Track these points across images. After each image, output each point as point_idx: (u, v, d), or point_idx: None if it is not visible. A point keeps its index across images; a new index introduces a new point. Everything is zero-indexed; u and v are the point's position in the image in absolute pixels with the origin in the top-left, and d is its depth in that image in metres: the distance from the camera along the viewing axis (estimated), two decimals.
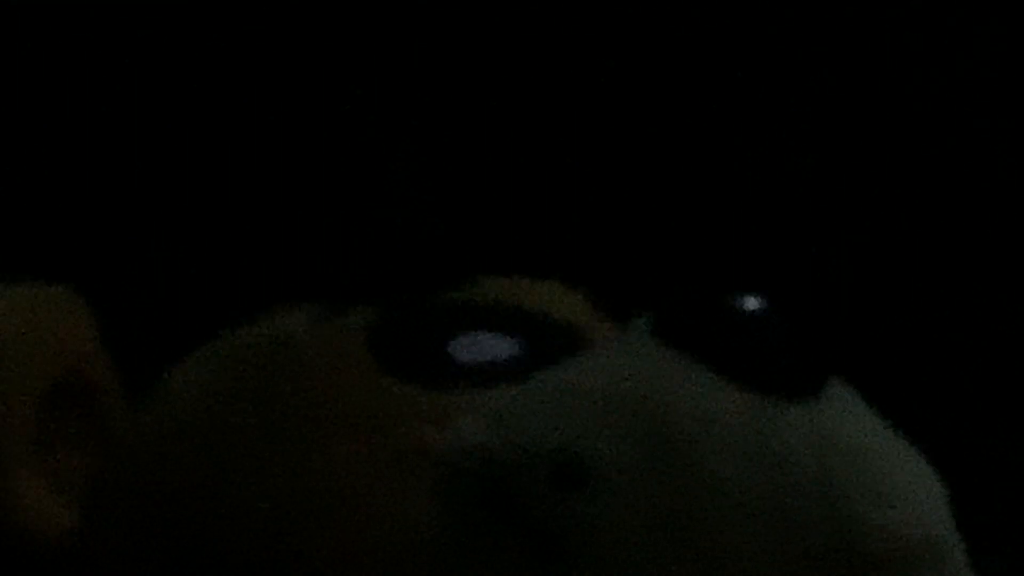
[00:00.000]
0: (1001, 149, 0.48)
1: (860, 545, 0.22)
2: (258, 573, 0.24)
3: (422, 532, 0.22)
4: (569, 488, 0.21)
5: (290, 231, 0.42)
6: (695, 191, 0.43)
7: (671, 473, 0.22)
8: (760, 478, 0.22)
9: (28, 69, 0.48)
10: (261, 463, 0.24)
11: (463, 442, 0.21)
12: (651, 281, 0.27)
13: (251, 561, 0.24)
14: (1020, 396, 0.48)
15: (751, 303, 0.22)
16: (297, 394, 0.23)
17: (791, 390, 0.22)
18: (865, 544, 0.22)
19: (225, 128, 0.46)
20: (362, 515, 0.23)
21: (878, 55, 0.48)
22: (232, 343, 0.24)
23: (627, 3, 0.46)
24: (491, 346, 0.23)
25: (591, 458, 0.22)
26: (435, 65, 0.46)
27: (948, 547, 0.22)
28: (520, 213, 0.38)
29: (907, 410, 0.24)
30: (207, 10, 0.47)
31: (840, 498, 0.22)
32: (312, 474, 0.23)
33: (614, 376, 0.23)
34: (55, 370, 0.22)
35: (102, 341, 0.23)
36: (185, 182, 0.46)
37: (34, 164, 0.47)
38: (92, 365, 0.23)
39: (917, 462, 0.23)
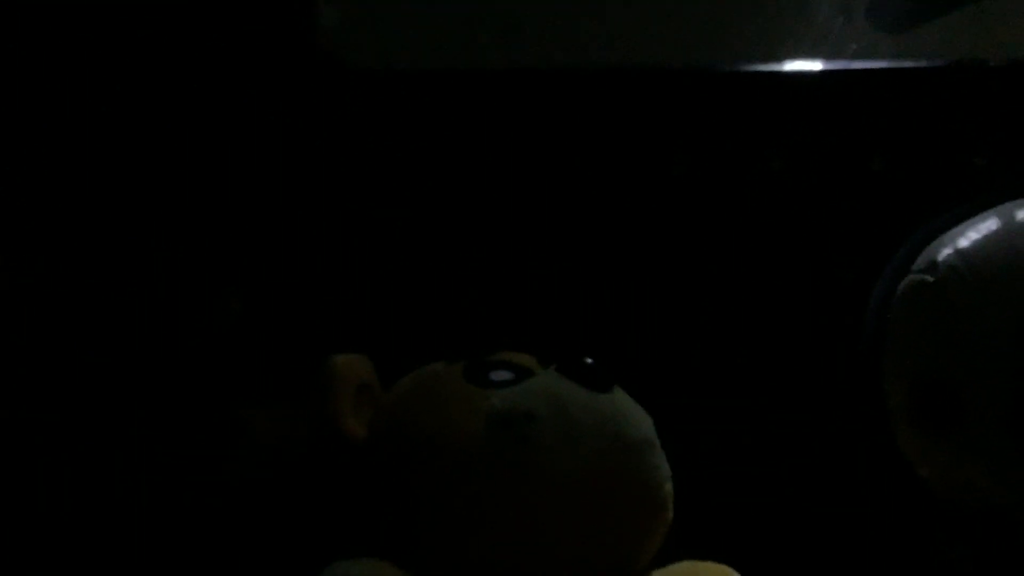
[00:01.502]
0: None
1: (625, 439, 0.65)
2: (405, 463, 0.65)
3: (479, 436, 0.65)
4: (528, 422, 0.65)
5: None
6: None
7: (563, 417, 0.65)
8: (591, 417, 0.66)
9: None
10: (419, 420, 0.67)
11: (494, 405, 0.65)
12: (556, 351, 0.71)
13: (406, 456, 0.66)
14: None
15: (589, 361, 0.67)
16: (437, 392, 0.67)
17: (601, 388, 0.66)
18: (627, 440, 0.65)
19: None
20: (458, 432, 0.65)
21: None
22: (416, 372, 0.68)
23: None
24: (502, 375, 0.67)
25: (536, 412, 0.65)
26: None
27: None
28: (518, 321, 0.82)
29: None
30: None
31: (621, 425, 0.66)
32: (442, 419, 0.66)
33: (544, 384, 0.67)
34: (361, 379, 0.67)
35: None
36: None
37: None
38: (372, 380, 0.67)
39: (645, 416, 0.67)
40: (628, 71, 0.86)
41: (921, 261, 0.72)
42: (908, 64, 0.86)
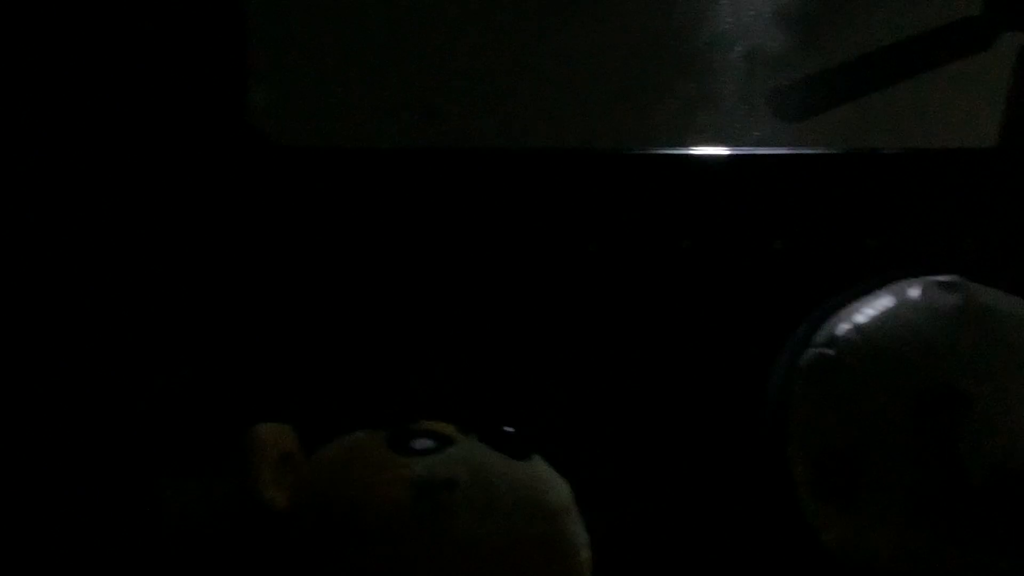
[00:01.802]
0: None
1: (543, 506, 0.66)
2: (329, 531, 0.66)
3: (404, 503, 0.66)
4: (449, 489, 0.66)
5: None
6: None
7: (482, 484, 0.67)
8: (510, 483, 0.67)
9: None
10: (343, 488, 0.67)
11: (417, 473, 0.66)
12: (476, 420, 0.72)
13: (330, 524, 0.67)
14: None
15: (508, 430, 0.68)
16: (361, 460, 0.68)
17: (520, 456, 0.68)
18: (546, 507, 0.66)
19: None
20: (382, 500, 0.66)
21: None
22: (339, 440, 0.69)
23: None
24: (424, 443, 0.68)
25: (457, 479, 0.66)
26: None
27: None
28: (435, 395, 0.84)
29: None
30: None
31: (540, 492, 0.67)
32: (367, 487, 0.67)
33: (465, 452, 0.68)
34: (284, 448, 0.68)
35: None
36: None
37: None
38: (295, 448, 0.68)
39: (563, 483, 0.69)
40: (544, 152, 0.90)
41: (821, 335, 0.75)
42: (807, 151, 0.91)
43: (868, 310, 0.74)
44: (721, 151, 0.91)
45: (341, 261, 0.86)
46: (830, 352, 0.73)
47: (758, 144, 0.94)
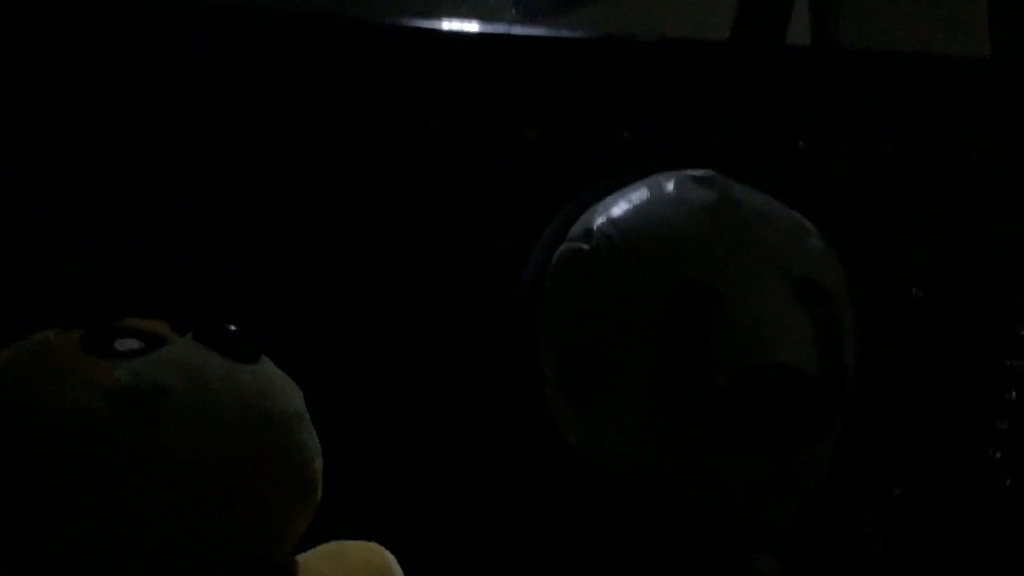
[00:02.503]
0: None
1: (270, 413, 0.59)
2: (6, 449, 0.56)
3: (101, 414, 0.56)
4: (159, 396, 0.57)
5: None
6: None
7: (199, 391, 0.58)
8: (232, 389, 0.59)
9: None
10: (25, 398, 0.57)
11: (118, 379, 0.57)
12: (192, 316, 0.63)
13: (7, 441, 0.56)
14: None
15: (231, 328, 0.60)
16: (47, 364, 0.58)
17: (245, 358, 0.60)
18: (273, 414, 0.59)
19: None
20: (73, 411, 0.56)
21: None
22: (20, 341, 0.58)
23: None
24: (129, 343, 0.58)
25: (169, 385, 0.58)
26: None
27: None
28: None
29: None
30: None
31: (268, 399, 0.60)
32: (54, 396, 0.57)
33: (179, 354, 0.59)
34: None
35: None
36: None
37: None
38: None
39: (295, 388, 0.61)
40: (291, 16, 0.81)
41: (576, 229, 0.71)
42: (564, 34, 0.86)
43: (624, 203, 0.71)
44: (473, 26, 0.84)
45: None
46: (584, 246, 0.70)
47: (511, 24, 0.89)
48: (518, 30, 0.87)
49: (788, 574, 0.66)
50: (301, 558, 0.62)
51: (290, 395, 0.60)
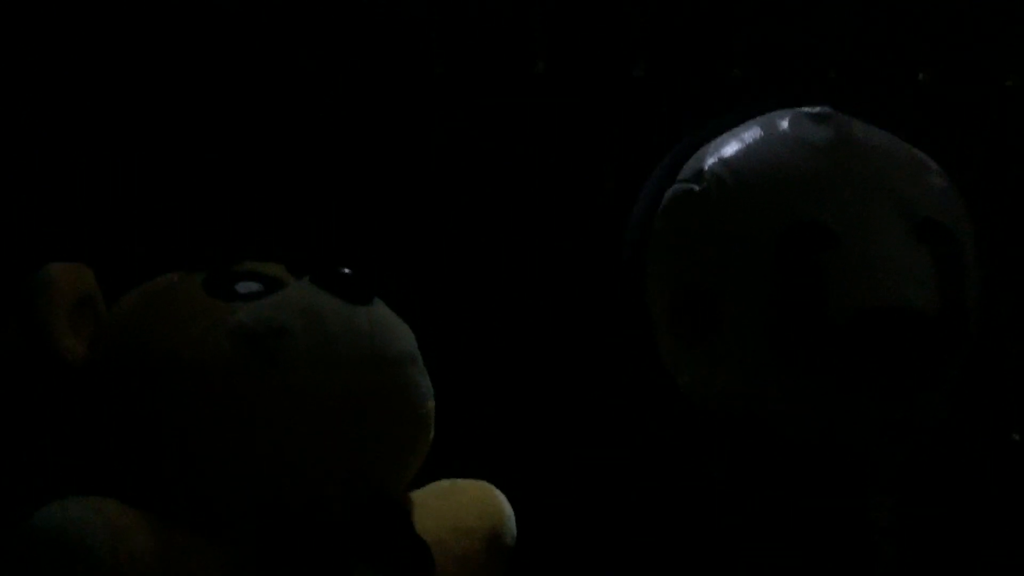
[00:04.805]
0: None
1: (385, 354, 0.60)
2: (136, 387, 0.58)
3: (223, 354, 0.58)
4: (279, 337, 0.59)
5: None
6: None
7: (317, 332, 0.60)
8: (348, 330, 0.60)
9: None
10: (152, 338, 0.59)
11: (241, 320, 0.58)
12: (309, 260, 0.65)
13: (137, 379, 0.58)
14: None
15: (346, 271, 0.61)
16: (173, 306, 0.60)
17: (359, 300, 0.61)
18: (387, 355, 0.60)
19: None
20: (198, 351, 0.58)
21: None
22: (147, 284, 0.60)
23: None
24: (250, 286, 0.60)
25: (289, 326, 0.59)
26: None
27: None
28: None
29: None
30: None
31: (382, 340, 0.61)
32: (180, 337, 0.59)
33: (297, 296, 0.61)
34: (80, 291, 0.58)
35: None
36: None
37: None
38: (94, 292, 0.59)
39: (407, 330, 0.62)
40: None
41: (687, 170, 0.70)
42: None
43: (736, 143, 0.70)
44: None
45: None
46: (695, 187, 0.68)
47: None
48: None
49: (903, 510, 0.65)
50: (415, 495, 0.63)
51: (403, 337, 0.61)
